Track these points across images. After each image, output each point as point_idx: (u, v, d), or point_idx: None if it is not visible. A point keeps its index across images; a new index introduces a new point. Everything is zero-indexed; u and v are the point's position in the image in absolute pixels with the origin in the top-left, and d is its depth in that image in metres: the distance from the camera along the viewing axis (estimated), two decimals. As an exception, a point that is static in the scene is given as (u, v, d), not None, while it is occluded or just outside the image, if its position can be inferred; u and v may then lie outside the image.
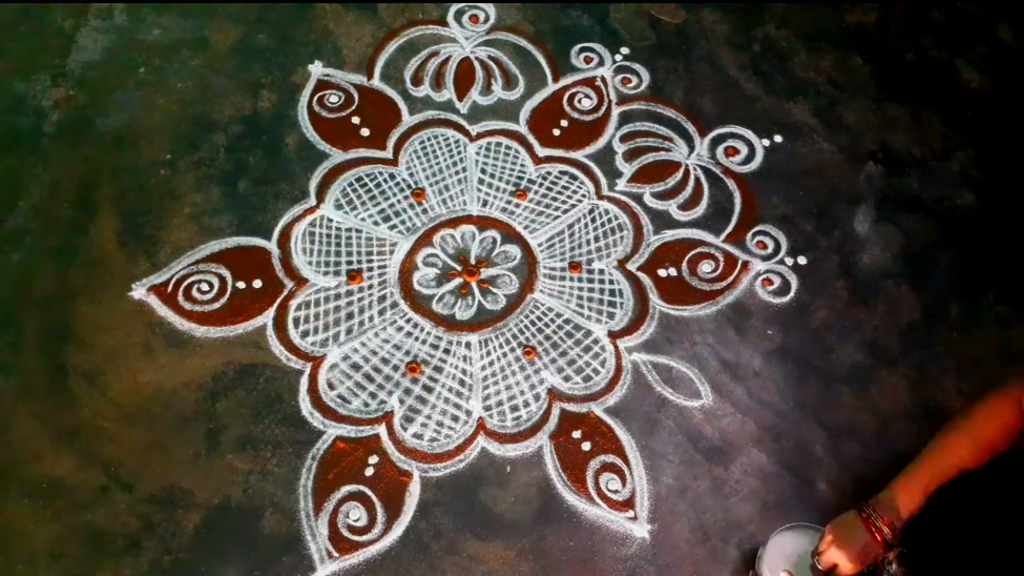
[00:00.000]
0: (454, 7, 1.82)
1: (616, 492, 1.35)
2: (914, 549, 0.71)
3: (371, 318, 1.47)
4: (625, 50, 1.81)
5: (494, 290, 1.52)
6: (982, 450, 1.09)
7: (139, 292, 1.43)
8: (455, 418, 1.39)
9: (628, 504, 1.35)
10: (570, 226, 1.60)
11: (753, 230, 1.63)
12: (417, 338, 1.46)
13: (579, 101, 1.74)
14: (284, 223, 1.53)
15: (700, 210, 1.64)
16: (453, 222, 1.58)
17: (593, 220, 1.61)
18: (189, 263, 1.47)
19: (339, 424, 1.37)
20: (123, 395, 1.35)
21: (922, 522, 0.72)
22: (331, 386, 1.40)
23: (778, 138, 1.74)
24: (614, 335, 1.50)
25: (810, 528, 1.24)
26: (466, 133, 1.67)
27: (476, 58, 1.76)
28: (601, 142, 1.70)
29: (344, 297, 1.48)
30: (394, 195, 1.59)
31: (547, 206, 1.61)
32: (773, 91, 1.81)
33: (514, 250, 1.56)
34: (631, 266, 1.57)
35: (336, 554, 1.26)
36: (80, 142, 1.57)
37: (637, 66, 1.80)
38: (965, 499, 0.72)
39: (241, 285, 1.46)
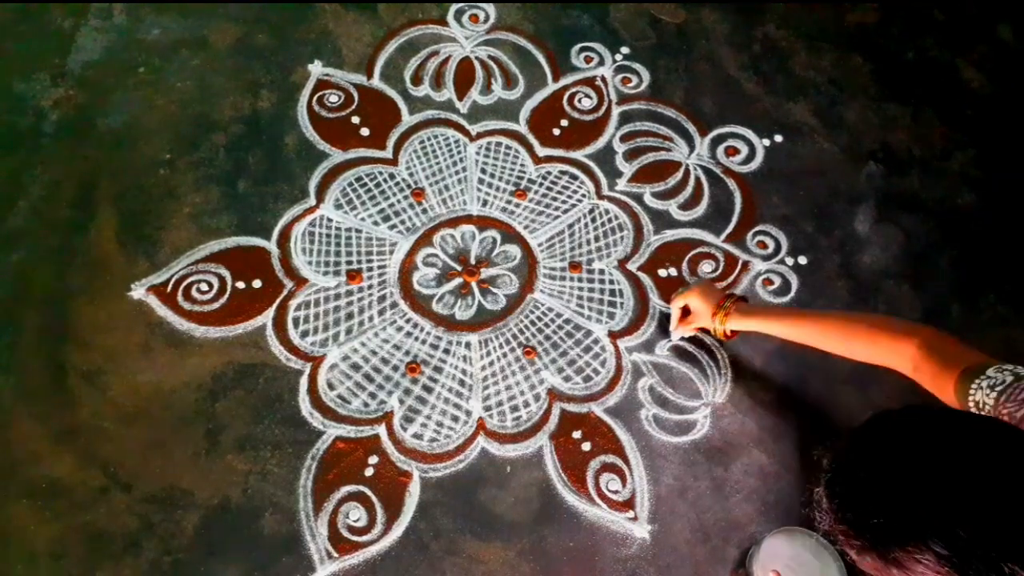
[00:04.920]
0: (454, 7, 1.82)
1: (616, 492, 1.35)
2: (840, 481, 0.72)
3: (371, 318, 1.46)
4: (625, 50, 1.81)
5: (494, 290, 1.52)
6: (847, 347, 1.19)
7: (139, 292, 1.43)
8: (455, 418, 1.39)
9: (628, 504, 1.35)
10: (570, 226, 1.60)
11: (753, 230, 1.63)
12: (417, 338, 1.46)
13: (579, 101, 1.74)
14: (284, 223, 1.53)
15: (700, 210, 1.64)
16: (453, 222, 1.58)
17: (593, 220, 1.61)
18: (189, 263, 1.47)
19: (339, 424, 1.36)
20: (123, 395, 1.35)
21: (850, 456, 0.73)
22: (331, 386, 1.40)
23: (778, 138, 1.74)
24: (614, 335, 1.50)
25: (804, 532, 1.25)
26: (466, 133, 1.67)
27: (476, 58, 1.76)
28: (601, 142, 1.70)
29: (344, 297, 1.48)
30: (394, 195, 1.59)
31: (547, 206, 1.61)
32: (773, 91, 1.80)
33: (514, 250, 1.56)
34: (631, 266, 1.57)
35: (336, 554, 1.26)
36: (80, 142, 1.57)
37: (637, 66, 1.80)
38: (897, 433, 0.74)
39: (241, 285, 1.46)
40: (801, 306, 1.55)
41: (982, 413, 0.88)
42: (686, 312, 1.43)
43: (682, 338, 1.48)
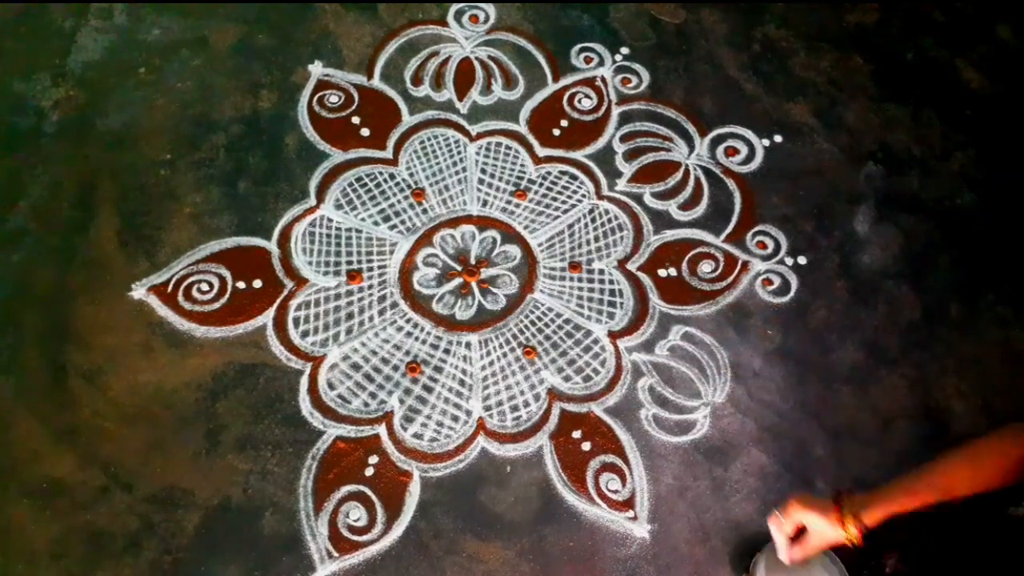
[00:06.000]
0: (454, 7, 1.82)
1: (616, 492, 1.35)
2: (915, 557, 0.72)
3: (371, 318, 1.47)
4: (625, 50, 1.81)
5: (494, 290, 1.52)
6: (978, 481, 1.08)
7: (139, 292, 1.43)
8: (455, 418, 1.39)
9: (628, 504, 1.35)
10: (570, 226, 1.60)
11: (753, 230, 1.63)
12: (417, 338, 1.46)
13: (579, 101, 1.74)
14: (284, 223, 1.53)
15: (700, 210, 1.64)
16: (453, 222, 1.58)
17: (593, 220, 1.61)
18: (189, 263, 1.47)
19: (339, 424, 1.37)
20: (123, 395, 1.35)
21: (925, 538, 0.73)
22: (331, 386, 1.40)
23: (778, 138, 1.74)
24: (614, 335, 1.50)
25: None
26: (466, 133, 1.68)
27: (476, 58, 1.76)
28: (601, 142, 1.70)
29: (344, 297, 1.48)
30: (394, 195, 1.59)
31: (547, 206, 1.61)
32: (773, 91, 1.81)
33: (514, 250, 1.56)
34: (631, 266, 1.57)
35: (336, 554, 1.26)
36: (80, 142, 1.57)
37: (637, 66, 1.80)
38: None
39: (241, 285, 1.46)
40: (800, 307, 1.55)
41: None
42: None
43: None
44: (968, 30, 1.95)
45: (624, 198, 1.64)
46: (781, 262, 1.60)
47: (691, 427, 1.42)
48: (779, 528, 1.19)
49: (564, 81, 1.76)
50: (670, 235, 1.61)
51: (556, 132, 1.70)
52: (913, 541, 1.07)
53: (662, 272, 1.57)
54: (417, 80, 1.72)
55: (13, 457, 1.29)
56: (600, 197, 1.64)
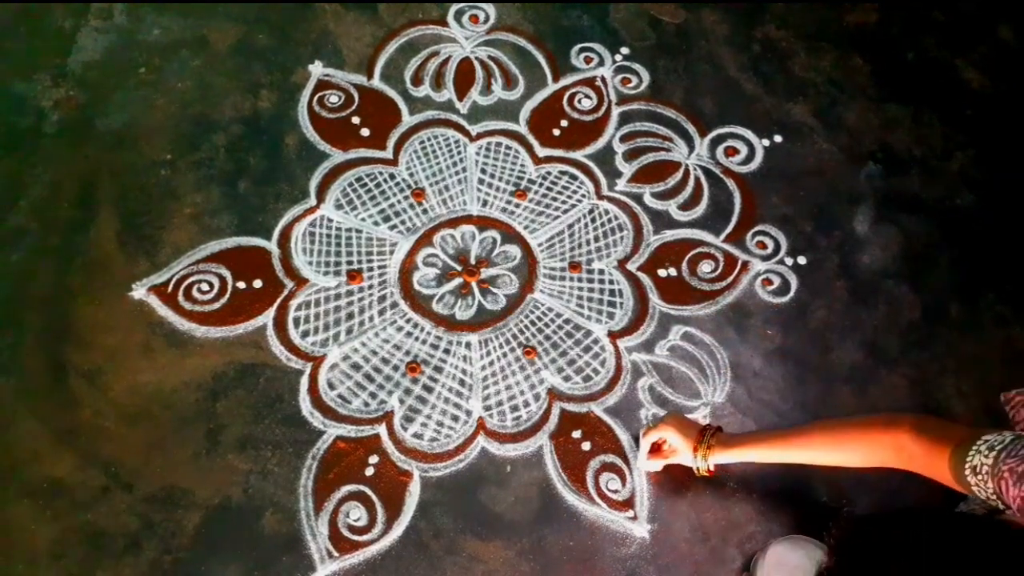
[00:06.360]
0: (454, 7, 1.82)
1: (616, 492, 1.36)
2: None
3: (371, 318, 1.47)
4: (625, 50, 1.81)
5: (494, 290, 1.52)
6: (837, 455, 1.12)
7: (139, 292, 1.43)
8: (455, 418, 1.39)
9: (628, 504, 1.35)
10: (570, 226, 1.60)
11: (753, 230, 1.63)
12: (417, 338, 1.46)
13: (579, 101, 1.74)
14: (284, 223, 1.53)
15: (700, 210, 1.64)
16: (453, 222, 1.58)
17: (593, 220, 1.61)
18: (189, 263, 1.47)
19: (339, 424, 1.37)
20: (123, 395, 1.35)
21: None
22: (331, 386, 1.40)
23: (778, 138, 1.74)
24: (614, 335, 1.50)
25: (809, 541, 1.25)
26: (466, 133, 1.68)
27: (476, 58, 1.76)
28: (601, 142, 1.70)
29: (344, 297, 1.48)
30: (394, 195, 1.59)
31: (547, 206, 1.61)
32: (773, 91, 1.81)
33: (514, 250, 1.56)
34: (631, 266, 1.57)
35: (336, 554, 1.26)
36: (80, 142, 1.57)
37: (637, 66, 1.80)
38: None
39: (241, 285, 1.46)
40: (800, 307, 1.55)
41: (979, 477, 0.87)
42: (657, 446, 1.34)
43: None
44: (969, 30, 1.95)
45: (624, 198, 1.64)
46: (781, 262, 1.60)
47: (691, 427, 1.42)
48: (646, 437, 1.33)
49: (564, 81, 1.76)
50: (670, 235, 1.61)
51: (556, 132, 1.70)
52: (847, 541, 1.09)
53: (662, 272, 1.57)
54: (417, 80, 1.72)
55: (13, 457, 1.29)
56: (600, 197, 1.64)
